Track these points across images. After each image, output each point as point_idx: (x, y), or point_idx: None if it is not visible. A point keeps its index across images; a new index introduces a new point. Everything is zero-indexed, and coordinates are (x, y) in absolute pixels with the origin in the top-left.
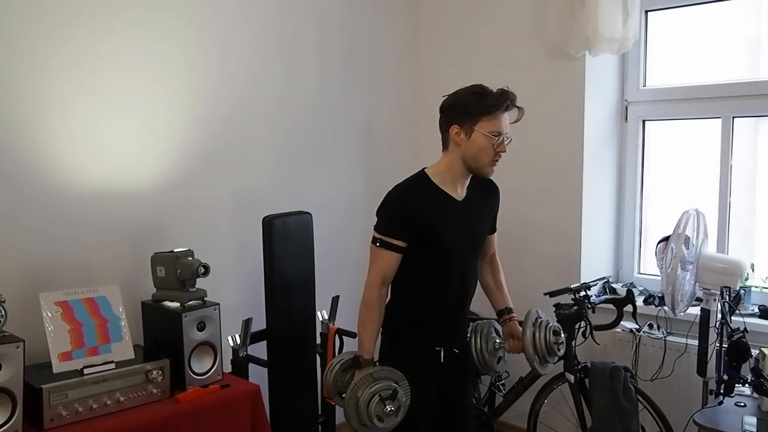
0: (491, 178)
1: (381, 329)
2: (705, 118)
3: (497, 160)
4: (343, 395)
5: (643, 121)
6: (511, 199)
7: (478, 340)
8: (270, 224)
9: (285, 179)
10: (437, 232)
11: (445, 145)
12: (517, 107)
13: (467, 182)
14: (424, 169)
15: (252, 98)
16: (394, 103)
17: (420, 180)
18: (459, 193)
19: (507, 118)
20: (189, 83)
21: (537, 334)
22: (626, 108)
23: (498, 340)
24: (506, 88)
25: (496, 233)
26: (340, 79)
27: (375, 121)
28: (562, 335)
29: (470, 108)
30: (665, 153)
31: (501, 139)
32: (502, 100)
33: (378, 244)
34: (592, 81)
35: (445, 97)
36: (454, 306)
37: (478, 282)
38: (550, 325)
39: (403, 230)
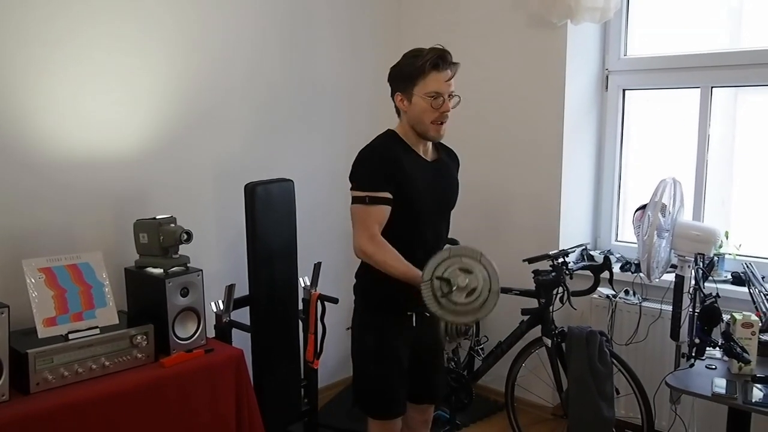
0: (450, 147)
1: (354, 295)
2: (684, 87)
3: (442, 123)
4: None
5: (624, 91)
6: (492, 167)
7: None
8: (252, 191)
9: (267, 147)
10: (412, 189)
11: (398, 114)
12: (453, 63)
13: (429, 146)
14: (390, 129)
15: (233, 66)
16: (376, 72)
17: (391, 137)
18: (426, 155)
19: (445, 75)
20: (170, 51)
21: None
22: (607, 77)
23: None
24: (438, 46)
25: None
26: (322, 47)
27: (357, 89)
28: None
29: (405, 73)
30: (645, 122)
31: (441, 99)
32: (429, 57)
33: (367, 201)
34: (573, 50)
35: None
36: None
37: None
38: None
39: (387, 181)
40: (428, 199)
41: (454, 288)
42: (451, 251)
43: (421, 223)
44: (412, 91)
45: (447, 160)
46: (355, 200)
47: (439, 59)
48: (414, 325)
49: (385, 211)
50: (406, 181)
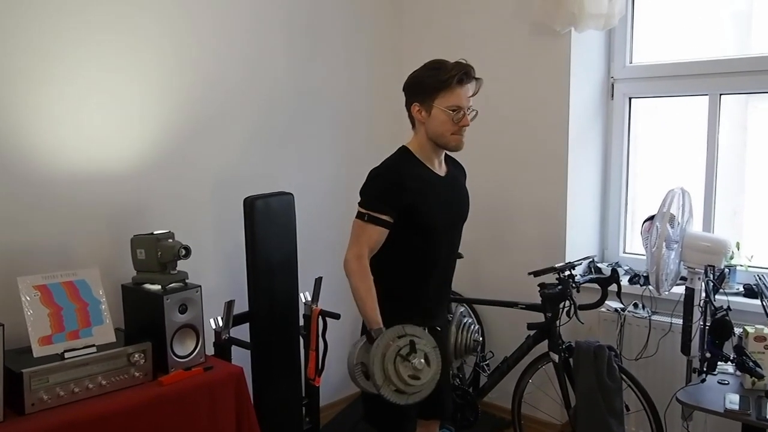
0: (459, 161)
1: None
2: (692, 95)
3: (461, 134)
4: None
5: (630, 99)
6: (496, 178)
7: (460, 332)
8: (252, 205)
9: (266, 159)
10: (427, 208)
11: (413, 124)
12: (476, 78)
13: (442, 159)
14: (404, 145)
15: (230, 78)
16: (375, 82)
17: (405, 155)
18: (438, 169)
19: (467, 90)
20: (166, 63)
21: (459, 337)
22: (612, 85)
23: (478, 338)
24: (462, 60)
25: None
26: (320, 57)
27: (356, 99)
28: (480, 339)
29: (427, 84)
30: (652, 131)
31: (461, 113)
32: (455, 73)
33: (366, 219)
34: (577, 58)
35: (409, 75)
36: (439, 285)
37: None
38: (474, 327)
39: (392, 205)
40: (443, 216)
41: (412, 360)
42: (427, 336)
43: (436, 240)
44: (432, 103)
45: (456, 172)
46: (357, 214)
47: (464, 75)
48: None
49: (381, 233)
50: (420, 201)
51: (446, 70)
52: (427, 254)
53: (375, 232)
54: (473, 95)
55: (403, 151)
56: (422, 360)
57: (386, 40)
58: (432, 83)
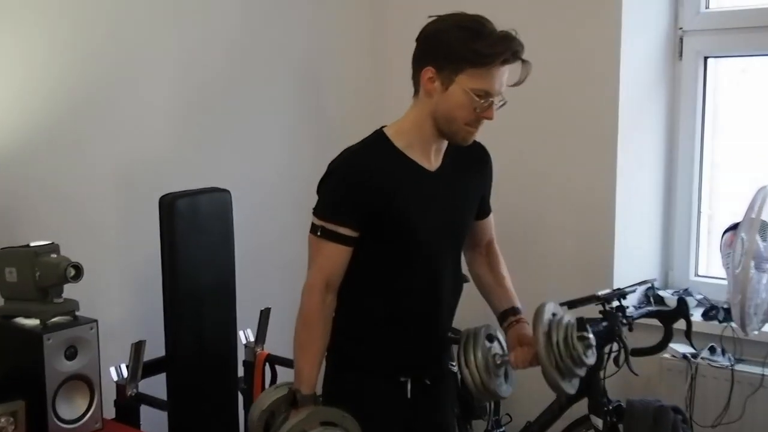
0: (478, 140)
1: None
2: None
3: (477, 127)
4: None
5: (705, 59)
6: (517, 169)
7: (471, 353)
8: (171, 206)
9: (193, 143)
10: (403, 216)
11: (416, 90)
12: (523, 61)
13: (443, 146)
14: (382, 128)
15: (151, 33)
16: (349, 42)
17: (377, 143)
18: (432, 161)
19: (504, 74)
20: (61, 8)
21: (553, 336)
22: (681, 40)
23: (499, 352)
24: (512, 33)
25: (491, 215)
26: (276, 10)
27: (322, 65)
28: (590, 335)
29: (454, 49)
30: (737, 104)
31: (489, 102)
32: (500, 50)
33: (319, 234)
34: (632, 2)
35: (431, 20)
36: (426, 319)
37: (473, 281)
38: (571, 321)
39: (354, 214)
40: (429, 226)
41: None
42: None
43: (418, 258)
44: (454, 76)
45: (460, 164)
46: (312, 225)
47: (512, 56)
48: (408, 396)
49: (343, 252)
50: (392, 209)
51: (489, 40)
52: (408, 274)
53: (333, 252)
54: (515, 85)
55: (377, 136)
56: None
57: None
58: (464, 51)
